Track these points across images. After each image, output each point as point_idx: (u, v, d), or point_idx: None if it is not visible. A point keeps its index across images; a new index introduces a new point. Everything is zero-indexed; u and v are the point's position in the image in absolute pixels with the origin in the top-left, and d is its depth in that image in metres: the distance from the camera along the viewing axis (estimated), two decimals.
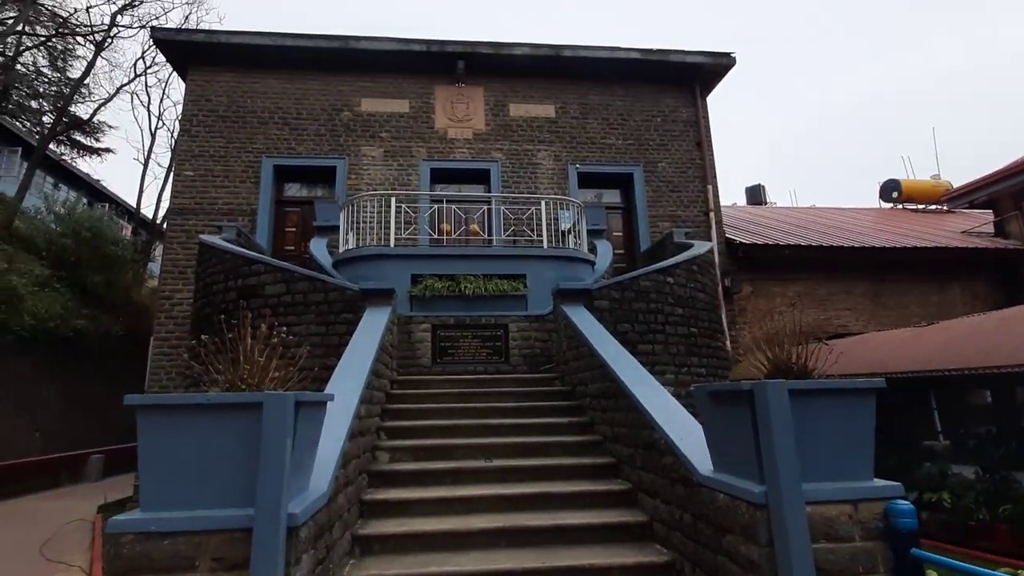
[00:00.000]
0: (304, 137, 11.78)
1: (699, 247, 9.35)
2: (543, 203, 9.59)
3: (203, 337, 3.40)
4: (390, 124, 12.03)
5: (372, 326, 6.18)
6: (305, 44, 11.91)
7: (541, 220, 9.42)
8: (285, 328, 3.83)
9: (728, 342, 10.39)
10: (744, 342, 10.55)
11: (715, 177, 12.58)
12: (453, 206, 10.17)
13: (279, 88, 12.06)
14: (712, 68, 12.83)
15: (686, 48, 13.28)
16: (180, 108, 19.93)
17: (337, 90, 12.15)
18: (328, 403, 3.67)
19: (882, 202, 19.79)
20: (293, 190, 12.05)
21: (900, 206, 19.49)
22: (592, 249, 9.98)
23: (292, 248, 11.43)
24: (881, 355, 8.75)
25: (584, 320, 6.47)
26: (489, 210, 10.81)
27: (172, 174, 12.92)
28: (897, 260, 12.71)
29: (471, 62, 12.20)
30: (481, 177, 11.98)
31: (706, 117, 12.93)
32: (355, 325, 6.38)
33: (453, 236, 9.64)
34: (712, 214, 12.21)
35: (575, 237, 9.54)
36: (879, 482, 3.11)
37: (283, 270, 7.32)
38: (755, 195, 20.94)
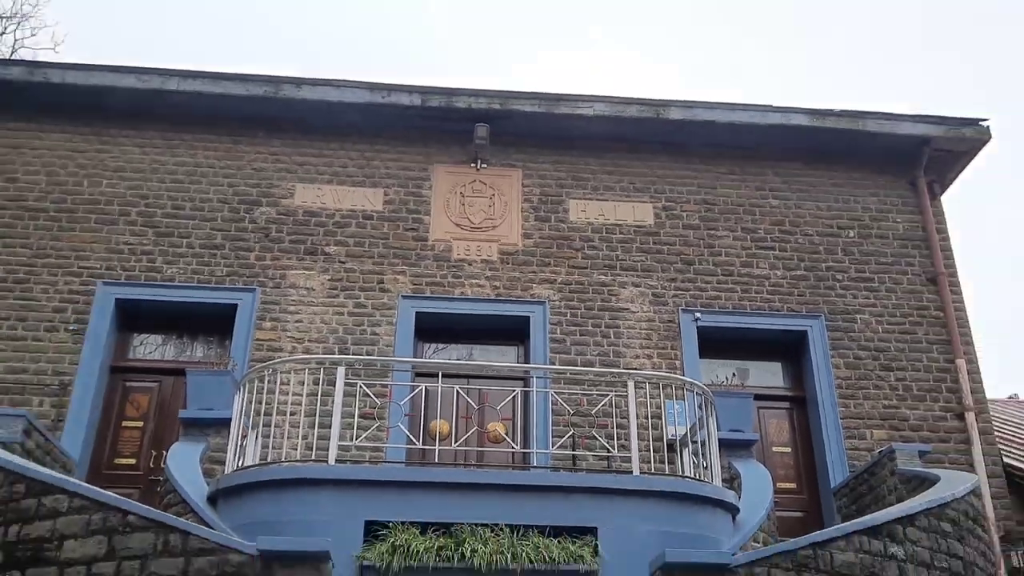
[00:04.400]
0: (182, 250, 10.83)
1: (951, 483, 8.23)
2: (631, 385, 8.34)
3: None
4: (345, 231, 11.18)
5: None
6: (203, 88, 11.17)
7: (628, 418, 8.34)
8: None
9: None
10: None
11: (971, 344, 11.19)
12: (457, 386, 8.50)
13: (147, 161, 11.22)
14: (948, 145, 11.73)
15: (898, 111, 12.14)
16: None
17: (253, 168, 11.34)
18: None
19: None
20: (148, 347, 10.96)
21: None
22: (732, 480, 9.18)
23: (132, 461, 10.27)
24: None
25: None
26: (526, 396, 9.97)
27: None
28: None
29: (501, 126, 11.48)
30: (512, 332, 11.13)
31: (944, 231, 11.80)
32: None
33: (454, 445, 8.63)
34: (972, 416, 10.62)
35: (695, 454, 8.75)
36: None
37: (105, 507, 6.41)
38: None
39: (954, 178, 11.88)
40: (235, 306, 10.42)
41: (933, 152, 11.55)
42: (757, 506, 8.54)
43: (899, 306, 11.17)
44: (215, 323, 10.55)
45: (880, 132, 11.50)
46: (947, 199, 12.19)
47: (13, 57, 18.49)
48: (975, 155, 11.67)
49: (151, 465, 9.83)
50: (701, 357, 10.75)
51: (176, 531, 6.27)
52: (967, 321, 11.07)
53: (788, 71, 60.98)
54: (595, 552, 7.28)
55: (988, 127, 11.31)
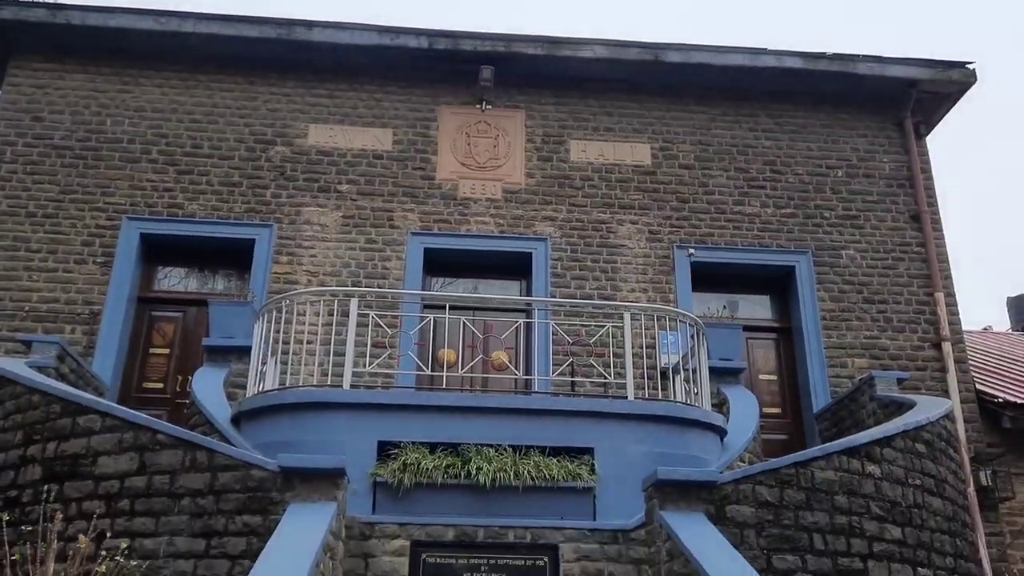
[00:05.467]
0: (201, 187, 10.82)
1: (926, 408, 8.63)
2: (627, 317, 8.65)
3: None
4: (357, 170, 11.16)
5: (297, 541, 5.59)
6: (218, 31, 11.07)
7: (624, 347, 8.61)
8: (127, 544, 3.92)
9: None
10: None
11: (950, 279, 11.44)
12: (463, 318, 8.81)
13: (166, 101, 11.20)
14: (935, 87, 11.78)
15: (886, 54, 12.10)
16: None
17: (268, 108, 11.33)
18: None
19: None
20: (172, 280, 11.07)
21: None
22: (720, 405, 9.51)
23: (160, 385, 10.42)
24: None
25: (708, 544, 5.97)
26: (528, 327, 10.19)
27: None
28: None
29: (505, 69, 11.35)
30: (515, 267, 11.22)
31: (928, 171, 11.86)
32: (263, 538, 5.83)
33: (461, 372, 8.93)
34: (949, 347, 10.93)
35: (687, 381, 9.01)
36: None
37: (136, 427, 6.68)
38: None
39: (939, 119, 11.90)
40: (253, 241, 10.48)
41: (920, 94, 11.57)
42: (744, 429, 8.85)
43: (883, 242, 11.29)
44: (234, 257, 10.63)
45: (870, 75, 11.46)
46: (932, 140, 12.25)
47: None
48: (960, 97, 11.65)
49: (177, 389, 10.04)
50: (694, 291, 10.88)
51: (202, 449, 6.64)
52: (947, 257, 11.19)
53: (782, 14, 59.13)
54: (592, 470, 7.61)
55: (974, 70, 11.26)
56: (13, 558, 2.78)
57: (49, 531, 2.84)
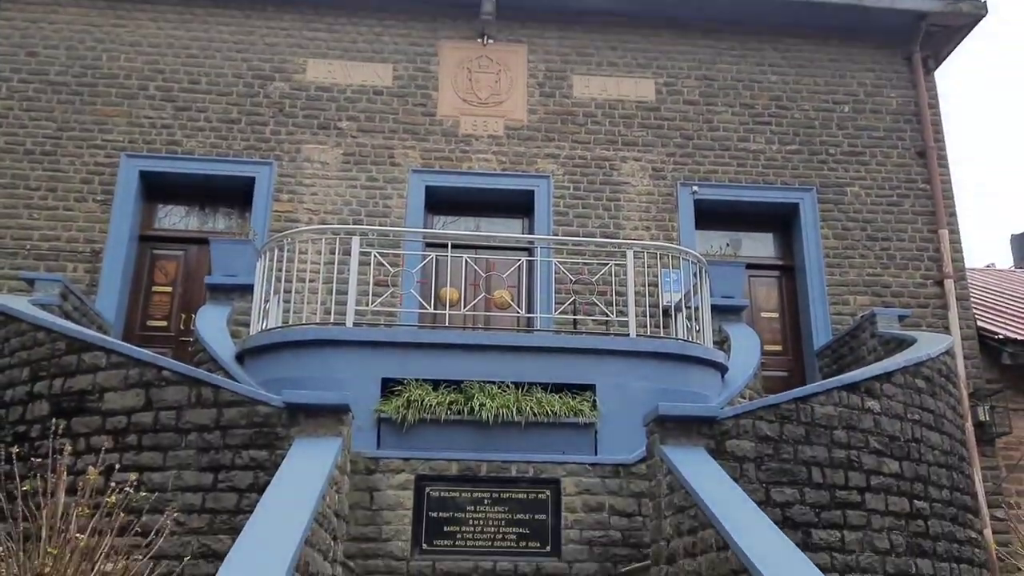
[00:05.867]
0: (200, 124, 10.76)
1: (927, 344, 8.64)
2: (630, 255, 8.83)
3: None
4: (356, 106, 11.08)
5: (303, 474, 5.73)
6: None
7: (626, 285, 8.81)
8: (135, 477, 3.92)
9: (988, 529, 9.41)
10: None
11: (955, 216, 11.36)
12: (465, 256, 8.92)
13: (162, 36, 11.01)
14: (944, 20, 11.54)
15: None
16: None
17: (265, 43, 11.14)
18: None
19: None
20: (173, 218, 11.09)
21: None
22: (722, 342, 9.64)
23: (163, 323, 10.52)
24: None
25: (707, 478, 6.01)
26: (531, 265, 10.23)
27: None
28: None
29: (507, 1, 11.21)
30: (518, 205, 11.21)
31: (935, 107, 11.66)
32: (270, 472, 5.94)
33: (463, 310, 8.88)
34: (951, 284, 10.95)
35: (689, 319, 9.14)
36: None
37: (141, 363, 6.70)
38: None
39: (949, 53, 11.75)
40: (253, 179, 10.41)
41: (929, 27, 11.39)
42: (745, 366, 8.94)
43: (888, 179, 11.21)
44: (235, 195, 10.59)
45: (879, 7, 11.22)
46: (943, 75, 12.02)
47: None
48: (970, 30, 11.47)
49: (181, 327, 10.08)
50: (697, 229, 10.84)
51: (208, 385, 6.68)
52: (952, 194, 11.13)
53: None
54: (593, 407, 7.70)
55: (984, 2, 11.00)
56: (24, 489, 2.83)
57: (58, 463, 2.88)
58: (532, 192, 10.83)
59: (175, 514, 4.99)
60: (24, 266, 9.61)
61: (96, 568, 2.93)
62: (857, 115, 11.43)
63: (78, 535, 2.93)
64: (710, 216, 11.03)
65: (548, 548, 7.18)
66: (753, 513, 5.63)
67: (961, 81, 48.47)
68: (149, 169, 10.40)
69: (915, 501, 7.24)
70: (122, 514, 3.03)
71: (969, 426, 9.68)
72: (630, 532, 7.16)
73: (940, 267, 10.88)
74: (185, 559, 5.36)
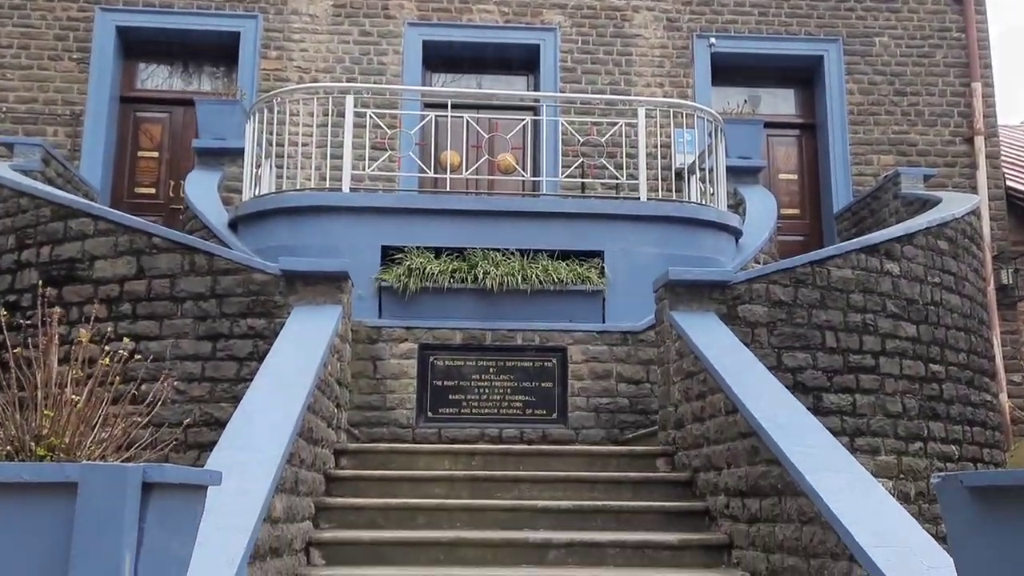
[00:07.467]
0: None
1: (951, 205, 8.56)
2: (641, 113, 8.72)
3: None
4: None
5: (303, 341, 5.95)
6: None
7: (637, 147, 8.72)
8: (129, 342, 4.15)
9: (1005, 393, 9.65)
10: None
11: (990, 68, 11.05)
12: (467, 116, 8.99)
13: None
14: None
15: None
16: None
17: None
18: (211, 488, 3.12)
19: None
20: (156, 79, 11.06)
21: None
22: (737, 205, 9.67)
23: (151, 190, 10.67)
24: None
25: (718, 343, 6.15)
26: (536, 125, 10.04)
27: None
28: None
29: None
30: (522, 61, 11.15)
31: None
32: (269, 341, 6.15)
33: (465, 174, 8.89)
34: (981, 141, 10.70)
35: (702, 181, 9.16)
36: None
37: (131, 230, 6.88)
38: None
39: None
40: (238, 34, 10.35)
41: None
42: (760, 230, 9.02)
43: (920, 27, 11.03)
44: (219, 52, 10.56)
45: None
46: None
47: None
48: None
49: (171, 194, 10.31)
50: (713, 85, 10.82)
51: (201, 252, 6.81)
52: (988, 43, 10.89)
53: None
54: (601, 273, 7.84)
55: None
56: (15, 351, 2.74)
57: (49, 326, 2.78)
58: (537, 46, 10.74)
59: (172, 381, 5.14)
60: (1, 130, 9.58)
61: (94, 430, 2.92)
62: None
63: (74, 397, 2.90)
64: (728, 71, 10.95)
65: (555, 415, 7.44)
66: (763, 376, 5.76)
67: None
68: (126, 24, 10.27)
69: (931, 365, 7.40)
70: (117, 378, 2.99)
71: (991, 289, 9.84)
72: (637, 399, 7.37)
73: (971, 123, 10.77)
74: (187, 423, 5.62)
